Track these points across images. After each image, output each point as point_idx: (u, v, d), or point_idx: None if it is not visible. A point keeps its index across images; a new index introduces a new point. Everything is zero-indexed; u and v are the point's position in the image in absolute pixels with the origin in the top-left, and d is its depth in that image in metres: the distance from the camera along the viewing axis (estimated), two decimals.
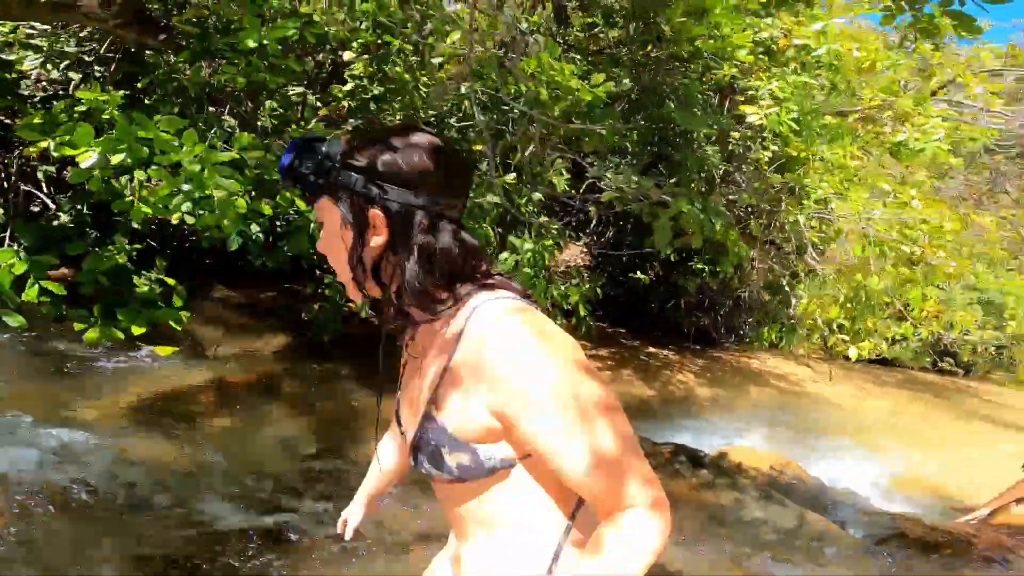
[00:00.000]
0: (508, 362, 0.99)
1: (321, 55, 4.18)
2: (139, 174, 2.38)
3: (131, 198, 2.32)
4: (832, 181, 3.58)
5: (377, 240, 1.12)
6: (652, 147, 4.03)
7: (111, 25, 2.78)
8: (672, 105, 3.62)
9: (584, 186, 5.22)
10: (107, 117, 1.96)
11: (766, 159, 3.63)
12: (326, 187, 1.13)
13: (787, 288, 5.37)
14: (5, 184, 3.67)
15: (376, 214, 1.11)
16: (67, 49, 3.27)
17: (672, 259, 7.24)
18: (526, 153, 3.58)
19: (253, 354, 3.95)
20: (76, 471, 2.72)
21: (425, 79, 4.16)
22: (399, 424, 1.23)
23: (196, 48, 2.40)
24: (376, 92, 3.86)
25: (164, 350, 3.10)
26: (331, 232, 1.15)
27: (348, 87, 3.73)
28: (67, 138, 1.81)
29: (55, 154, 1.83)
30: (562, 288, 4.54)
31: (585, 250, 7.35)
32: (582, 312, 5.18)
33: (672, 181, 3.76)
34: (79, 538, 2.38)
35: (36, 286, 2.24)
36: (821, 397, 7.01)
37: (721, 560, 3.58)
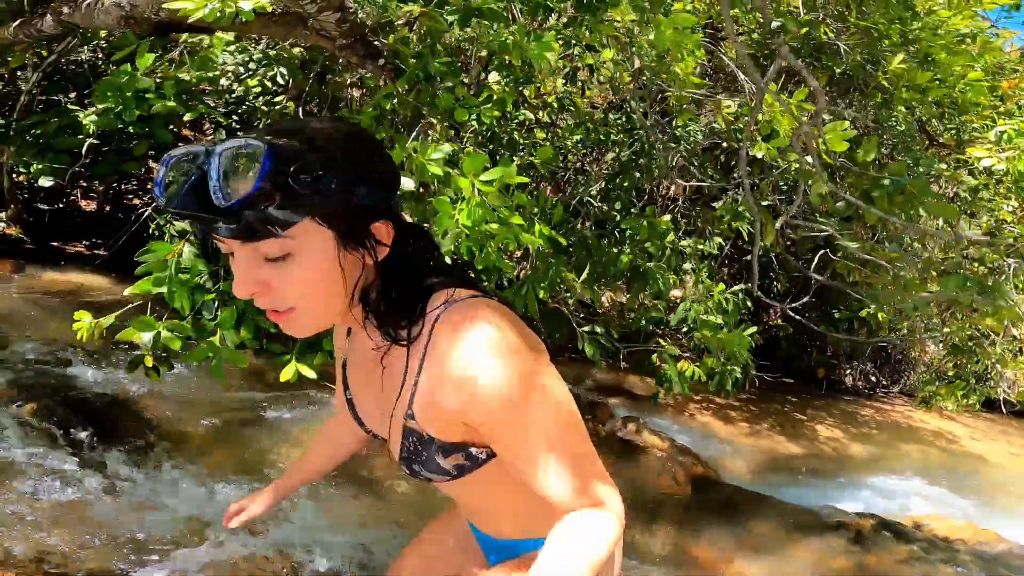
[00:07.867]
0: (473, 373, 0.92)
1: None
2: None
3: None
4: None
5: (375, 257, 0.94)
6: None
7: (337, 44, 2.59)
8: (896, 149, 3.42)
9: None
10: None
11: (1008, 209, 3.38)
12: (316, 206, 0.85)
13: (977, 349, 5.03)
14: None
15: (380, 227, 0.93)
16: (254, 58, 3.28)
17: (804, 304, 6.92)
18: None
19: None
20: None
21: None
22: (362, 425, 1.19)
23: (415, 73, 2.32)
24: None
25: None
26: (320, 261, 0.88)
27: None
28: None
29: None
30: (741, 336, 4.34)
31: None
32: (747, 360, 4.93)
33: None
34: None
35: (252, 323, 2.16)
36: (981, 456, 6.49)
37: None
